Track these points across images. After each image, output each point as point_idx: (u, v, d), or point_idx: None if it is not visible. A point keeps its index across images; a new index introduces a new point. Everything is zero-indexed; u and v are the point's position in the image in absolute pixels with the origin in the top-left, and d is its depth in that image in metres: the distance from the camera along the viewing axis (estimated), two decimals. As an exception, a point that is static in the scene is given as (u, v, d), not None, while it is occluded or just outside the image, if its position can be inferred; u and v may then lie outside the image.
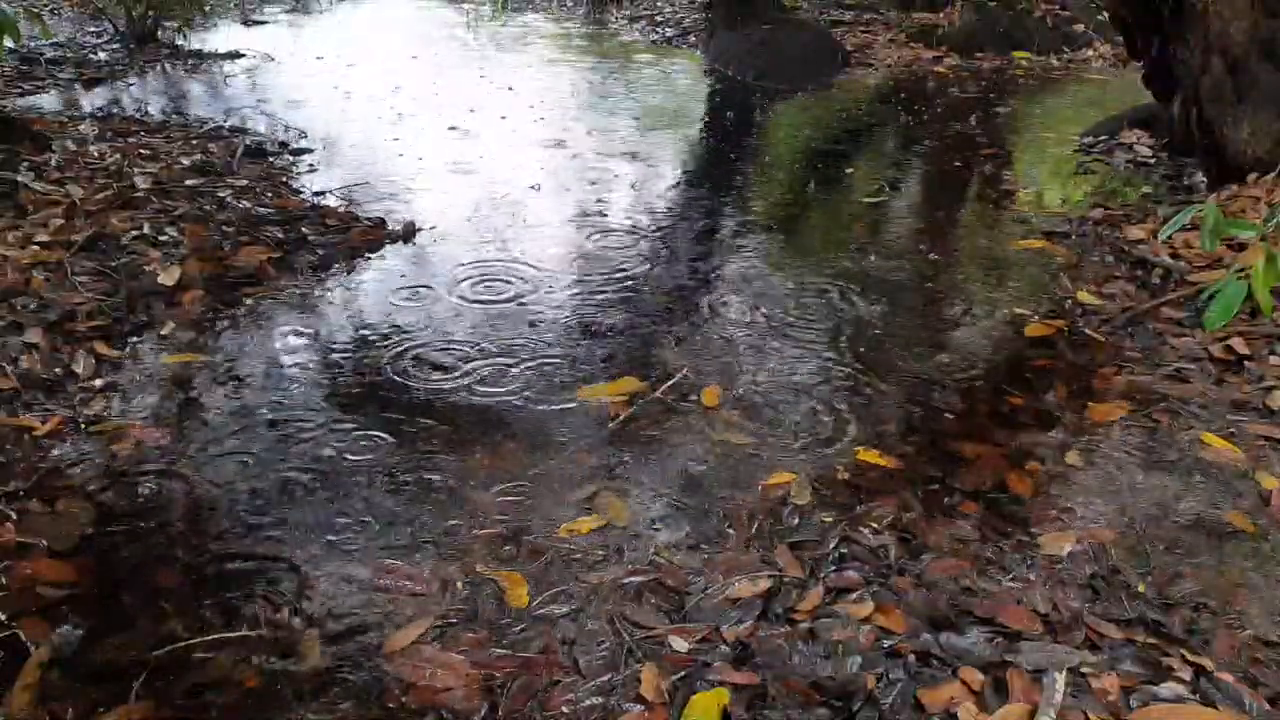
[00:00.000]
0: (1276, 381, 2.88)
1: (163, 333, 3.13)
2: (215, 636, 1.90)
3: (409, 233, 4.09)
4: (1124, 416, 2.75)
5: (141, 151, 4.77)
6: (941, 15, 9.24)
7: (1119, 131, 5.67)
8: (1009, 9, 8.91)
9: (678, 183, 5.06)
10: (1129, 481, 2.46)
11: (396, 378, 2.92)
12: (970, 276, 3.82)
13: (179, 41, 7.93)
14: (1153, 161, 5.17)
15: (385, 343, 3.14)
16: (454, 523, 2.26)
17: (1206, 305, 3.18)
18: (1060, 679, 1.76)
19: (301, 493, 2.36)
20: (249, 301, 3.39)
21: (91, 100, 6.15)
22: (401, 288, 3.56)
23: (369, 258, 3.86)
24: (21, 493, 2.29)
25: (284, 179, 4.71)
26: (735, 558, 2.16)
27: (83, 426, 2.58)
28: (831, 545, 2.19)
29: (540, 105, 6.52)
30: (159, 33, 7.83)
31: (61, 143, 4.67)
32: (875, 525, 2.26)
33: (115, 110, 5.84)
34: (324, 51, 8.08)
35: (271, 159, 5.01)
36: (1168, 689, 1.77)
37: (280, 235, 3.90)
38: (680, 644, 1.90)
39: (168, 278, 3.41)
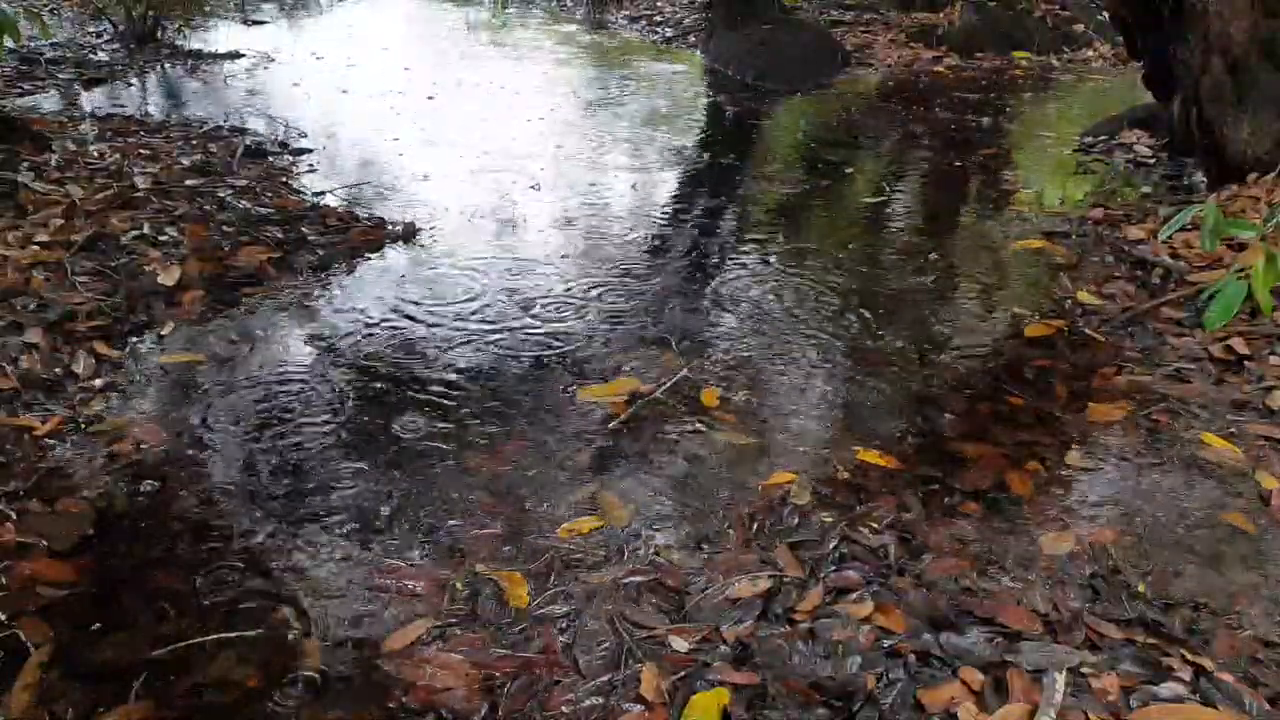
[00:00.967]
0: (1276, 381, 2.88)
1: (163, 333, 3.13)
2: (215, 636, 1.90)
3: (409, 233, 4.08)
4: (1124, 416, 2.75)
5: (141, 151, 4.77)
6: (941, 15, 9.23)
7: (1119, 131, 5.67)
8: (1009, 9, 8.91)
9: (678, 183, 5.06)
10: (1129, 482, 2.46)
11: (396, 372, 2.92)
12: (970, 276, 3.82)
13: (179, 41, 7.92)
14: (1153, 161, 5.17)
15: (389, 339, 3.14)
16: (453, 522, 2.26)
17: (1206, 305, 3.18)
18: (1060, 679, 1.76)
19: (298, 493, 2.36)
20: (249, 301, 3.39)
21: (91, 100, 6.15)
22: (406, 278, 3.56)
23: (369, 258, 3.86)
24: (21, 493, 2.29)
25: (284, 179, 4.71)
26: (735, 558, 2.16)
27: (83, 426, 2.58)
28: (831, 545, 2.19)
29: (539, 105, 6.52)
30: (159, 33, 7.82)
31: (61, 143, 4.67)
32: (875, 525, 2.26)
33: (115, 110, 5.84)
34: (324, 51, 8.08)
35: (271, 159, 5.01)
36: (1168, 689, 1.77)
37: (280, 235, 3.90)
38: (680, 644, 1.90)
39: (168, 278, 3.41)
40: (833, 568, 2.12)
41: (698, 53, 8.61)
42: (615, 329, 3.28)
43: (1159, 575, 2.11)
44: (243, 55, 7.72)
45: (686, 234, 4.27)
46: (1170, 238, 3.77)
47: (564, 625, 1.95)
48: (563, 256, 3.93)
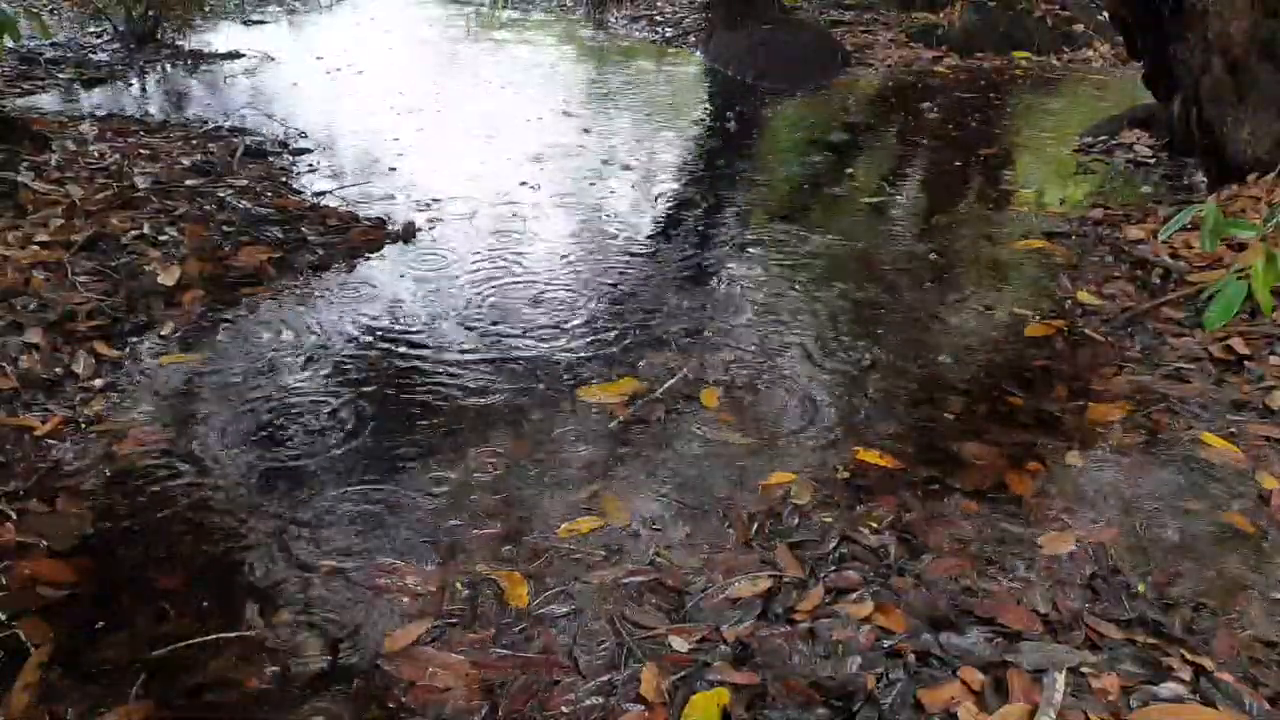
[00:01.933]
0: (1276, 381, 2.88)
1: (163, 333, 3.13)
2: (215, 636, 1.90)
3: (409, 232, 4.08)
4: (1124, 416, 2.75)
5: (141, 151, 4.77)
6: (941, 15, 9.23)
7: (1119, 131, 5.67)
8: (1009, 9, 8.91)
9: (678, 182, 5.06)
10: (1129, 481, 2.46)
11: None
12: (970, 276, 3.82)
13: (179, 41, 7.92)
14: (1153, 161, 5.17)
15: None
16: (454, 522, 2.26)
17: (1206, 305, 3.18)
18: (1060, 679, 1.76)
19: (298, 493, 2.36)
20: (249, 301, 3.40)
21: (91, 100, 6.15)
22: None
23: (369, 258, 3.86)
24: (21, 493, 2.29)
25: (284, 179, 4.71)
26: (735, 558, 2.16)
27: (83, 426, 2.58)
28: (831, 545, 2.19)
29: (540, 104, 6.52)
30: (159, 33, 7.82)
31: (61, 143, 4.67)
32: (875, 525, 2.26)
33: (115, 110, 5.84)
34: (324, 51, 8.08)
35: (271, 159, 5.01)
36: (1168, 689, 1.77)
37: (280, 235, 3.90)
38: (680, 644, 1.90)
39: (168, 278, 3.41)
40: (833, 568, 2.12)
41: (697, 53, 8.61)
42: (615, 328, 3.28)
43: (1159, 575, 2.11)
44: (243, 55, 7.72)
45: (687, 234, 4.27)
46: (1170, 238, 3.77)
47: (564, 625, 1.95)
48: (563, 256, 3.93)
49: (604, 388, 2.87)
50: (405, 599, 2.02)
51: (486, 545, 2.18)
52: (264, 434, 2.61)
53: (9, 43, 4.91)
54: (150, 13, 7.71)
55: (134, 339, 3.09)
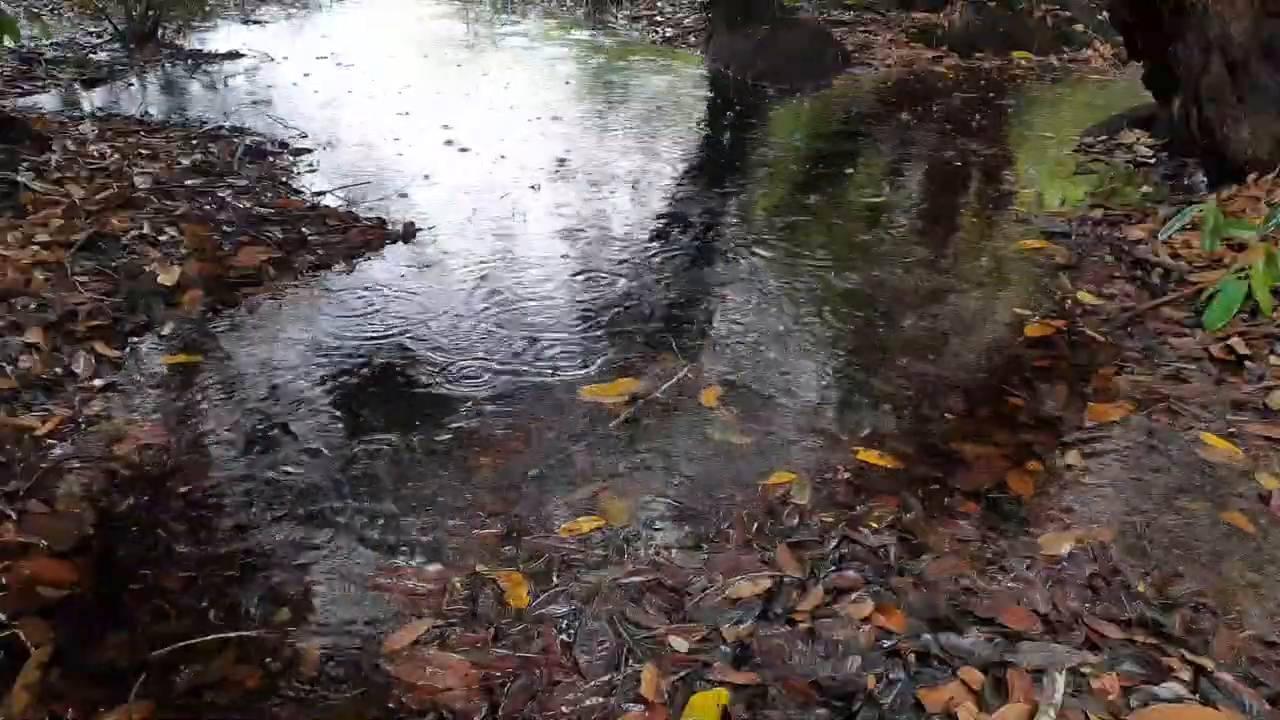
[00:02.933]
0: (1276, 381, 2.88)
1: (163, 333, 3.13)
2: (215, 636, 1.90)
3: (409, 233, 4.08)
4: (1124, 416, 2.75)
5: (141, 151, 4.77)
6: (941, 15, 9.23)
7: (1119, 131, 5.67)
8: (1009, 9, 8.91)
9: (679, 183, 5.06)
10: (1129, 481, 2.46)
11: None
12: (970, 276, 3.81)
13: (179, 41, 7.93)
14: (1153, 161, 5.16)
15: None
16: (454, 522, 2.26)
17: (1206, 305, 3.19)
18: (1060, 679, 1.75)
19: (298, 493, 2.36)
20: (249, 301, 3.40)
21: (91, 100, 6.15)
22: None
23: (369, 258, 3.86)
24: (21, 493, 2.29)
25: (284, 179, 4.71)
26: (735, 558, 2.16)
27: (83, 426, 2.58)
28: (831, 545, 2.19)
29: (540, 104, 6.52)
30: (159, 33, 7.83)
31: (61, 143, 4.67)
32: (875, 525, 2.26)
33: (115, 110, 5.84)
34: (324, 51, 8.08)
35: (271, 159, 5.01)
36: (1168, 689, 1.77)
37: (280, 235, 3.90)
38: (680, 644, 1.90)
39: (168, 278, 3.41)
40: (833, 568, 2.12)
41: (698, 53, 8.61)
42: (615, 328, 3.28)
43: (1159, 575, 2.11)
44: (243, 55, 7.72)
45: (687, 234, 4.27)
46: (1170, 238, 3.77)
47: (564, 625, 1.95)
48: (563, 256, 3.93)
49: (604, 387, 2.87)
50: (405, 599, 2.02)
51: (486, 545, 2.18)
52: (264, 434, 2.60)
53: (9, 43, 4.90)
54: (150, 13, 7.71)
55: (134, 339, 3.09)
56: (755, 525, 2.26)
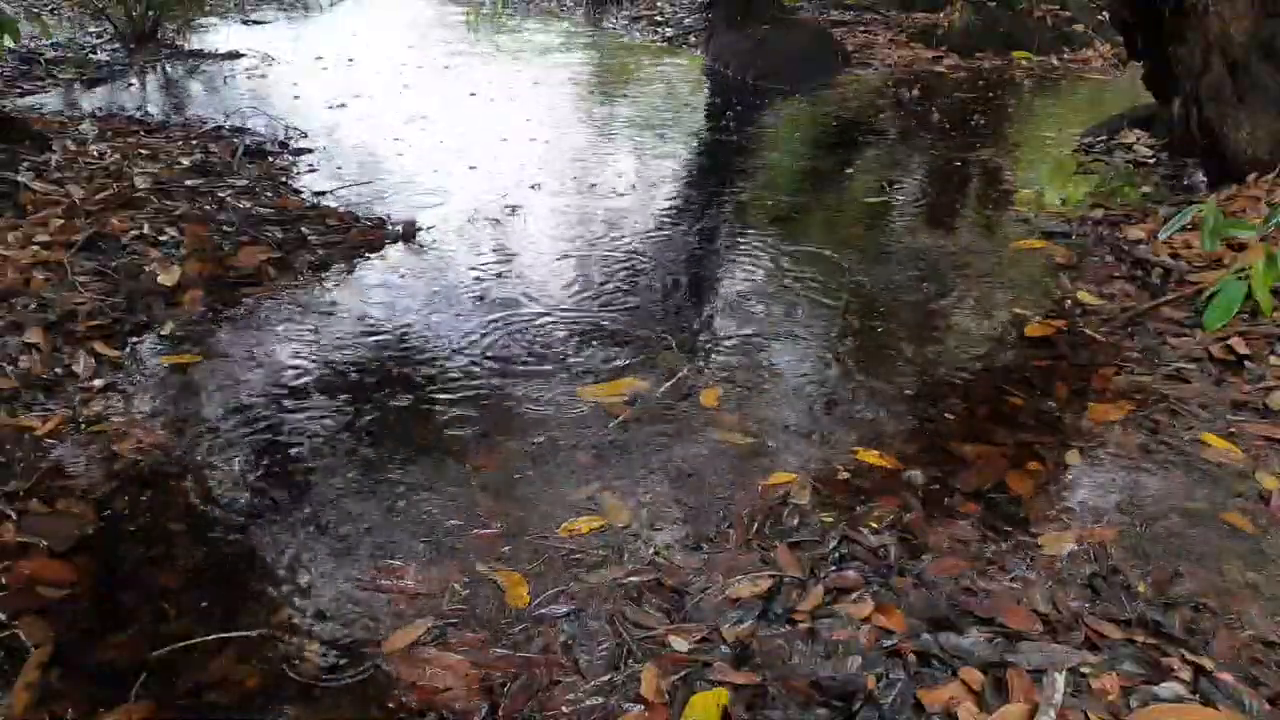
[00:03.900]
0: (1276, 381, 2.87)
1: (163, 333, 3.13)
2: (215, 636, 1.90)
3: (409, 233, 4.08)
4: (1124, 416, 2.74)
5: (141, 151, 4.77)
6: (941, 15, 9.22)
7: (1119, 131, 5.67)
8: (1009, 9, 8.90)
9: (678, 183, 5.06)
10: (1129, 481, 2.46)
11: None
12: (970, 276, 3.81)
13: (179, 41, 7.93)
14: (1153, 161, 5.16)
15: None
16: (454, 522, 2.26)
17: (1206, 305, 3.18)
18: (1060, 679, 1.75)
19: (297, 493, 2.36)
20: (249, 302, 3.39)
21: (91, 100, 6.15)
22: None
23: (369, 258, 3.86)
24: (21, 493, 2.29)
25: (284, 179, 4.71)
26: (735, 558, 2.16)
27: (83, 426, 2.58)
28: (831, 545, 2.19)
29: (540, 104, 6.52)
30: (159, 33, 7.83)
31: (61, 143, 4.67)
32: (875, 525, 2.26)
33: (115, 110, 5.84)
34: (324, 51, 8.08)
35: (271, 159, 5.01)
36: (1168, 689, 1.77)
37: (280, 235, 3.90)
38: (680, 644, 1.90)
39: (168, 278, 3.41)
40: (833, 568, 2.12)
41: (698, 53, 8.61)
42: (615, 328, 3.28)
43: (1159, 575, 2.11)
44: (243, 55, 7.72)
45: (687, 234, 4.26)
46: (1170, 238, 3.77)
47: (564, 625, 1.95)
48: (563, 256, 3.93)
49: (604, 387, 2.87)
50: (405, 599, 2.02)
51: (486, 545, 2.18)
52: (264, 434, 2.60)
53: (9, 43, 4.90)
54: (150, 13, 7.71)
55: (134, 339, 3.09)
56: (755, 525, 2.26)
